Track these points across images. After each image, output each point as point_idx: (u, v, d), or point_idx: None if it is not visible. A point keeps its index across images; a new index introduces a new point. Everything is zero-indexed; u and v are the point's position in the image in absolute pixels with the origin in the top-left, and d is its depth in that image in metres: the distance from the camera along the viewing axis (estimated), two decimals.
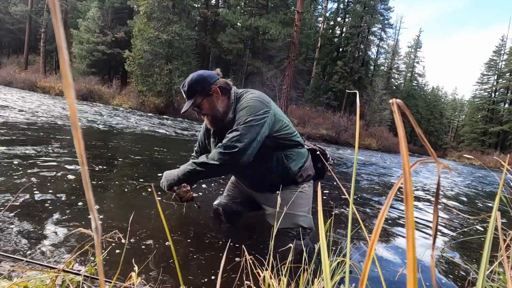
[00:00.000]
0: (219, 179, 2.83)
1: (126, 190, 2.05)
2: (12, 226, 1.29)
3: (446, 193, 4.65)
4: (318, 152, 1.74)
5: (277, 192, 1.53)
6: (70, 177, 2.15)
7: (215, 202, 1.85)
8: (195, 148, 1.82)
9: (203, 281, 1.12)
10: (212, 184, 2.64)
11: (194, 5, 23.29)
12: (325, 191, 3.13)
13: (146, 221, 1.57)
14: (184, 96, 1.51)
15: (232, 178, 1.87)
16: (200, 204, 1.72)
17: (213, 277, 1.16)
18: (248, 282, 0.88)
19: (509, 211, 1.27)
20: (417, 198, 3.74)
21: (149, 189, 2.12)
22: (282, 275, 0.82)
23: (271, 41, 20.22)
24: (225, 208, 1.80)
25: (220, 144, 1.40)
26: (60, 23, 0.16)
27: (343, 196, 2.96)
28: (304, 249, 0.99)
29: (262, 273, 0.82)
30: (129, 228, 1.31)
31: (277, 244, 1.54)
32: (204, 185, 2.54)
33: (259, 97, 1.48)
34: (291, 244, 0.94)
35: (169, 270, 1.13)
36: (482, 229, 2.46)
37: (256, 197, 1.72)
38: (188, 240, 1.45)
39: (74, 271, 0.80)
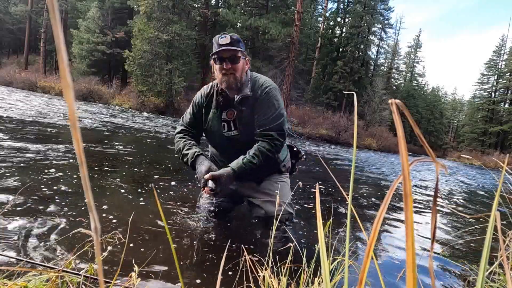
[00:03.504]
0: None
1: (126, 190, 2.05)
2: (12, 226, 1.29)
3: (445, 193, 4.65)
4: (295, 149, 1.91)
5: (264, 181, 1.70)
6: (70, 177, 2.15)
7: (203, 203, 1.82)
8: (185, 121, 1.73)
9: (203, 280, 1.12)
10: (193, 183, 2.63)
11: (194, 5, 23.28)
12: (324, 191, 3.14)
13: (146, 221, 1.57)
14: (223, 42, 1.48)
15: None
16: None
17: (213, 277, 1.16)
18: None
19: (509, 211, 1.27)
20: (416, 198, 3.74)
21: (122, 190, 2.12)
22: (282, 275, 0.82)
23: (271, 41, 20.22)
24: (214, 208, 1.79)
25: (268, 142, 1.55)
26: (59, 24, 0.16)
27: (342, 196, 2.96)
28: (304, 250, 0.99)
29: (262, 272, 0.82)
30: (129, 228, 1.31)
31: (277, 244, 1.54)
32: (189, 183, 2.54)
33: (276, 88, 1.64)
34: (291, 244, 0.94)
35: (169, 270, 1.13)
36: (481, 229, 2.46)
37: (241, 189, 1.73)
38: (188, 240, 1.45)
39: (74, 271, 0.80)
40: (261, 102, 1.57)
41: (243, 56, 1.55)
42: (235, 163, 1.52)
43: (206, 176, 1.45)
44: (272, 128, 1.56)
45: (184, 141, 1.64)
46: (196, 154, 1.56)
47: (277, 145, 1.58)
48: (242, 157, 1.54)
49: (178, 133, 1.73)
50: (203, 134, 1.80)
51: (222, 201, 1.79)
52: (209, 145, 1.84)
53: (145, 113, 15.25)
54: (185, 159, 1.61)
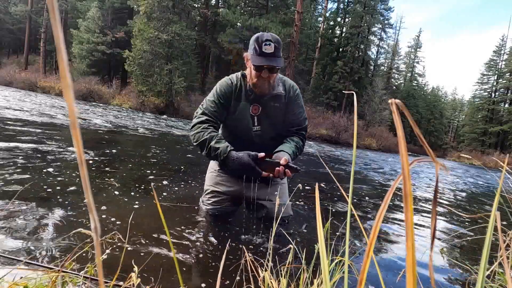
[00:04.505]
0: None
1: (126, 190, 2.05)
2: (12, 226, 1.29)
3: (445, 193, 4.65)
4: None
5: (272, 184, 1.74)
6: (70, 177, 2.15)
7: (208, 208, 1.81)
8: (208, 110, 1.60)
9: (203, 281, 1.12)
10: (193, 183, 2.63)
11: (194, 5, 23.27)
12: (323, 192, 3.13)
13: (146, 222, 1.57)
14: (267, 50, 1.44)
15: (212, 181, 1.81)
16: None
17: (213, 277, 1.16)
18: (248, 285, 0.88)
19: (508, 211, 1.27)
20: (416, 198, 3.74)
21: (122, 190, 2.12)
22: (281, 276, 0.82)
23: None
24: (219, 213, 1.79)
25: (301, 139, 1.69)
26: (59, 24, 0.16)
27: (342, 196, 2.96)
28: (304, 250, 0.99)
29: (262, 273, 0.82)
30: (129, 228, 1.31)
31: (277, 244, 1.54)
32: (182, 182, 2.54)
33: None
34: (291, 246, 0.94)
35: (169, 271, 1.13)
36: (481, 230, 2.46)
37: (248, 192, 1.71)
38: (188, 241, 1.45)
39: (74, 272, 0.80)
40: (294, 101, 1.66)
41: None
42: (287, 148, 1.55)
43: (283, 162, 1.42)
44: (303, 127, 1.70)
45: (209, 133, 1.53)
46: (229, 149, 1.48)
47: (304, 143, 1.71)
48: (288, 145, 1.59)
49: (201, 122, 1.58)
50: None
51: (226, 206, 1.79)
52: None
53: (146, 113, 15.25)
54: (214, 153, 1.49)
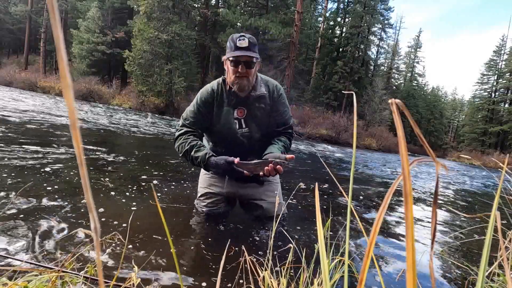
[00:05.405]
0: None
1: (126, 190, 2.05)
2: (12, 226, 1.29)
3: (445, 193, 4.65)
4: None
5: (265, 183, 1.77)
6: (70, 177, 2.15)
7: (203, 210, 1.81)
8: (188, 121, 1.67)
9: (203, 281, 1.12)
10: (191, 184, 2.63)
11: (194, 5, 23.29)
12: (323, 191, 3.13)
13: (146, 222, 1.57)
14: (241, 45, 1.49)
15: (206, 183, 1.82)
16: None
17: (213, 277, 1.16)
18: (249, 285, 0.88)
19: (508, 211, 1.27)
20: (416, 198, 3.74)
21: (122, 191, 2.12)
22: (281, 275, 0.82)
23: (271, 41, 20.22)
24: (214, 214, 1.80)
25: (288, 137, 1.75)
26: (59, 24, 0.16)
27: (342, 196, 2.96)
28: (303, 250, 0.99)
29: (262, 273, 0.82)
30: (128, 228, 1.31)
31: (277, 244, 1.54)
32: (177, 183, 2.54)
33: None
34: (290, 245, 0.94)
35: (169, 271, 1.13)
36: (481, 230, 2.46)
37: (241, 192, 1.77)
38: (188, 241, 1.45)
39: (74, 272, 0.80)
40: (278, 101, 1.69)
41: (257, 60, 1.58)
42: (276, 150, 1.60)
43: (287, 157, 1.48)
44: (289, 126, 1.75)
45: (189, 143, 1.60)
46: (207, 156, 1.55)
47: (291, 141, 1.76)
48: (276, 146, 1.63)
49: (181, 134, 1.66)
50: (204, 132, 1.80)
51: (220, 206, 1.80)
52: (209, 143, 1.83)
53: (144, 113, 15.25)
54: (196, 161, 1.59)
